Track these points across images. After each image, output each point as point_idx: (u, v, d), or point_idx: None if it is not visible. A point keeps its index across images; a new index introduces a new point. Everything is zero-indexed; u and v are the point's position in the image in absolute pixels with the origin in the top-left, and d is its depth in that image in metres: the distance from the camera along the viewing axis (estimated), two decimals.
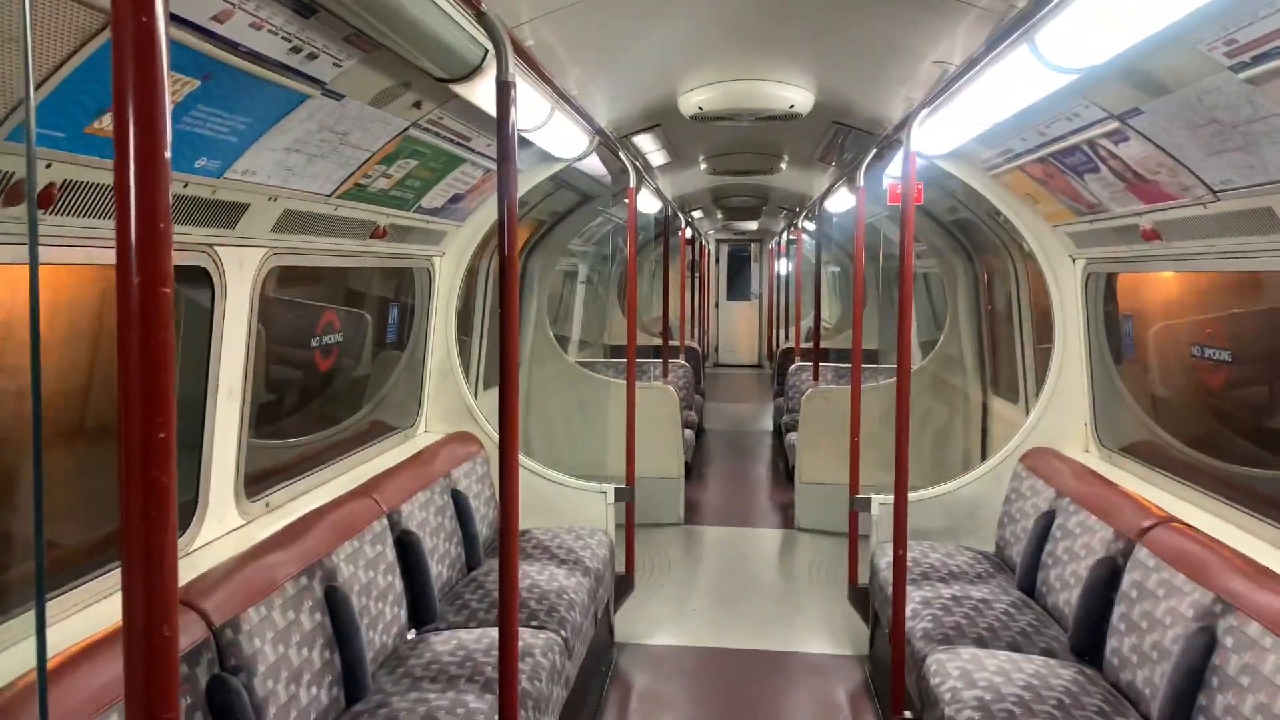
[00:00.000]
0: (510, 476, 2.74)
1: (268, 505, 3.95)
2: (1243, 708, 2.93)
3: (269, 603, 3.16)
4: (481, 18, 2.53)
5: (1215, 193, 3.42)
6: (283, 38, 2.49)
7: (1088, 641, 4.06)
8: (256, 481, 3.91)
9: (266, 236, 3.54)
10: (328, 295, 5.01)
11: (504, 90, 2.57)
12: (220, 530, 3.61)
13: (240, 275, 3.51)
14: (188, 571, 3.10)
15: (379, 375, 5.61)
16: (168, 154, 1.03)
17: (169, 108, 1.02)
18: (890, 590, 4.87)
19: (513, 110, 2.59)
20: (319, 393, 4.94)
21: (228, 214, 3.23)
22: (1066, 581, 4.43)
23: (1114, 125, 3.51)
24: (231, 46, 2.39)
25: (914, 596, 4.72)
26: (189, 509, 3.43)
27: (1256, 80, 2.56)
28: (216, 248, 3.35)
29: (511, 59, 2.57)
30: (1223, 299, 4.69)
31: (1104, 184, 4.18)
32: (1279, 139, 2.78)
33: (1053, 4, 2.52)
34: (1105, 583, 4.04)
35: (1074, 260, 5.48)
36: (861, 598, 5.97)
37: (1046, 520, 4.83)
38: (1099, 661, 3.98)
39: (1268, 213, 3.20)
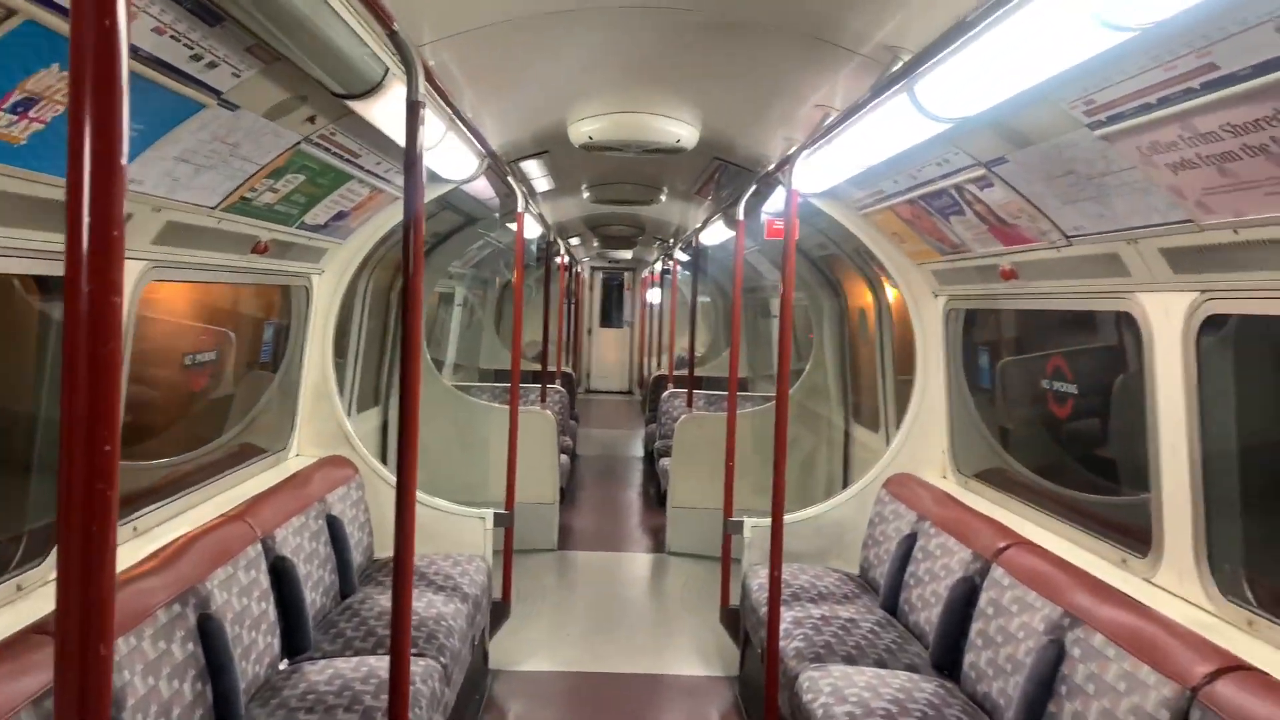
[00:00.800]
0: (407, 501, 2.72)
1: (135, 529, 3.76)
2: (1089, 713, 3.16)
3: (139, 632, 3.01)
4: (394, 37, 2.53)
5: (1069, 238, 3.73)
6: (184, 44, 2.43)
7: (947, 656, 4.29)
8: (124, 504, 3.72)
9: (148, 248, 3.40)
10: (199, 312, 4.83)
11: (414, 110, 2.57)
12: None
13: None
14: (49, 601, 2.93)
15: (251, 396, 5.42)
16: (124, 160, 1.01)
17: (126, 112, 1.01)
18: (762, 611, 5.02)
19: (421, 130, 2.60)
20: (188, 412, 4.74)
21: None
22: (927, 600, 4.67)
23: (981, 172, 3.78)
24: (132, 50, 2.31)
25: (785, 617, 4.88)
26: (49, 534, 3.23)
27: (1110, 138, 2.82)
28: None
29: (423, 81, 2.58)
30: (1065, 337, 5.08)
31: (968, 226, 4.47)
32: (1126, 192, 3.06)
33: (936, 58, 2.72)
34: (964, 600, 4.28)
35: (936, 296, 5.82)
36: (733, 619, 6.11)
37: (909, 542, 5.08)
38: (957, 675, 4.21)
39: (1114, 257, 3.51)
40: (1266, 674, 2.73)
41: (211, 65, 2.66)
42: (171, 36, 2.37)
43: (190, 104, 2.79)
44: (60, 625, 1.03)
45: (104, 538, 1.02)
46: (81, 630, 1.03)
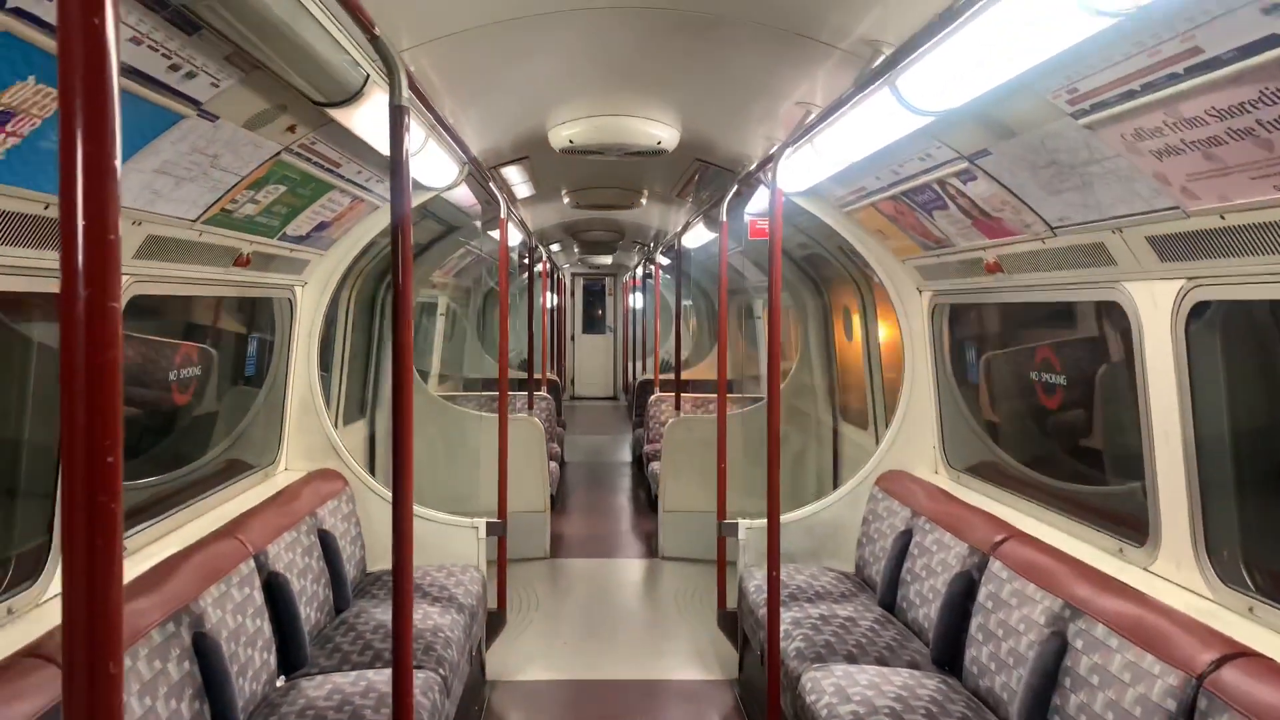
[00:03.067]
0: (404, 513, 2.69)
1: (125, 549, 3.70)
2: (1094, 705, 3.16)
3: (134, 653, 2.96)
4: (375, 42, 2.51)
5: (1053, 229, 3.74)
6: (163, 54, 2.39)
7: (948, 652, 4.28)
8: None
9: (129, 263, 3.35)
10: (183, 327, 4.78)
11: (398, 115, 2.55)
12: None
13: None
14: (40, 624, 2.88)
15: (237, 411, 5.36)
16: (117, 161, 0.99)
17: (117, 111, 0.99)
18: (760, 612, 5.00)
19: (407, 136, 2.57)
20: (175, 430, 4.69)
21: None
22: (925, 596, 4.66)
23: (964, 165, 3.78)
24: None
25: (784, 617, 4.86)
26: (38, 557, 3.18)
27: (1094, 126, 2.83)
28: None
29: (405, 86, 2.55)
30: (1052, 329, 5.10)
31: (951, 220, 4.48)
32: (1111, 180, 3.07)
33: (917, 51, 2.71)
34: (962, 595, 4.28)
35: (921, 292, 5.83)
36: (730, 622, 6.09)
37: (904, 539, 5.07)
38: (959, 671, 4.21)
39: (1100, 247, 3.52)
40: (1271, 659, 2.73)
41: (190, 75, 2.62)
42: (149, 46, 2.34)
43: (169, 115, 2.75)
44: (67, 644, 0.99)
45: (109, 552, 0.99)
46: (89, 648, 0.99)
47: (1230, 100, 2.27)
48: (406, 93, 2.57)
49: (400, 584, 2.62)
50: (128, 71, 2.38)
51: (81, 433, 0.98)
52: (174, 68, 2.53)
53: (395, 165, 2.57)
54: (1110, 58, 2.47)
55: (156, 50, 2.38)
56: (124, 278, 3.42)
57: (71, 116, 0.96)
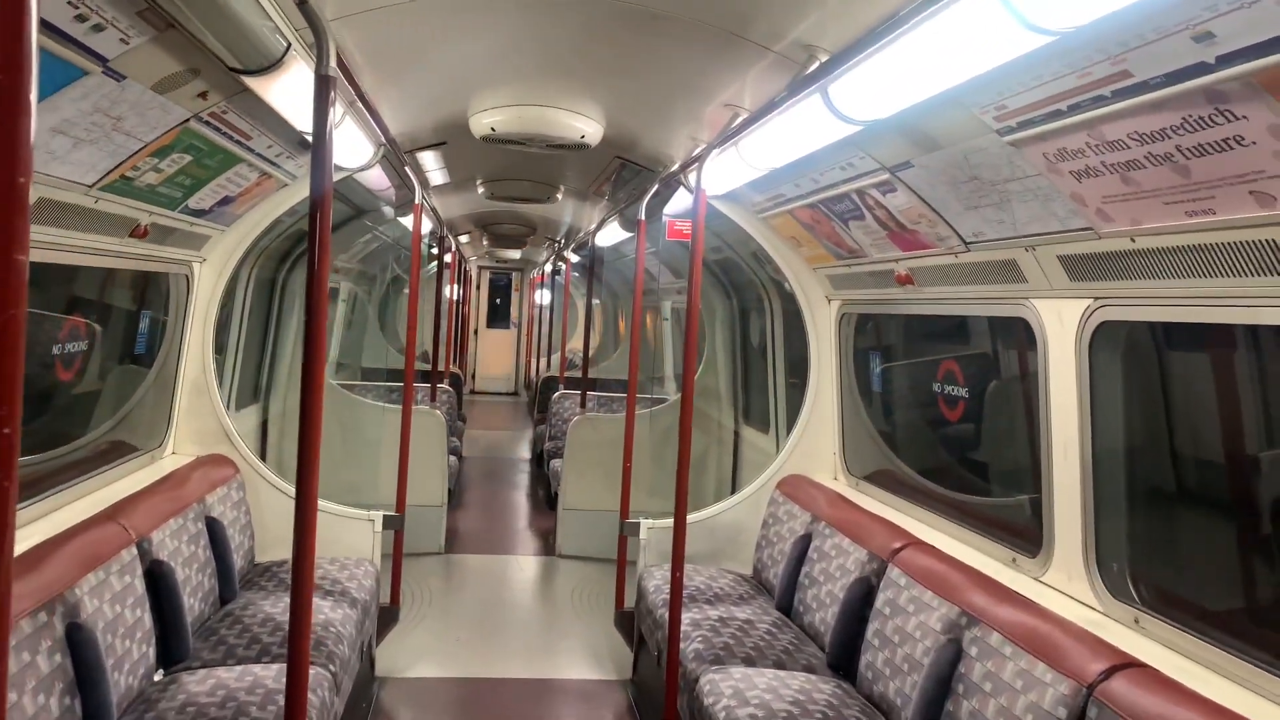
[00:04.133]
0: (308, 504, 2.56)
1: None
2: (986, 711, 3.24)
3: None
4: (303, 6, 2.38)
5: (967, 244, 3.83)
6: (69, 2, 2.22)
7: (844, 657, 4.34)
8: None
9: None
10: (69, 300, 4.49)
11: (324, 85, 2.42)
12: None
13: None
14: None
15: (123, 390, 5.07)
16: (33, 96, 0.89)
17: (34, 43, 0.89)
18: (659, 612, 4.99)
19: (332, 110, 2.45)
20: (53, 407, 4.40)
21: None
22: (823, 601, 4.72)
23: (885, 177, 3.84)
24: None
25: (683, 618, 4.85)
26: None
27: (1018, 144, 2.90)
28: None
29: (334, 54, 2.44)
30: (955, 343, 5.24)
31: (867, 231, 4.55)
32: (1028, 198, 3.15)
33: (853, 60, 2.73)
34: (860, 601, 4.34)
35: (830, 301, 5.91)
36: (627, 622, 6.06)
37: (804, 543, 5.13)
38: (853, 676, 4.27)
39: (1011, 264, 3.62)
40: (1157, 670, 2.84)
41: (98, 28, 2.45)
42: None
43: (71, 69, 2.57)
44: None
45: (4, 537, 0.89)
46: None
47: (1153, 125, 2.35)
48: (334, 63, 2.46)
49: (301, 577, 2.50)
50: None
51: None
52: (81, 18, 2.36)
53: (318, 139, 2.45)
54: (1040, 76, 2.53)
55: None
56: None
57: None
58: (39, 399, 4.37)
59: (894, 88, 2.83)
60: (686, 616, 4.89)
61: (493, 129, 4.98)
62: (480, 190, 8.03)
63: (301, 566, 2.48)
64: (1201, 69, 2.06)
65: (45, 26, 2.27)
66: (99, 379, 4.90)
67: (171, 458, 5.29)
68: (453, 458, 9.17)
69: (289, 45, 2.94)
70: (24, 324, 0.90)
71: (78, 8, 2.27)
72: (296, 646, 2.50)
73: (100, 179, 3.35)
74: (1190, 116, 2.22)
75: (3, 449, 0.89)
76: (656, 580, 5.39)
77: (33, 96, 0.89)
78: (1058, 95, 2.53)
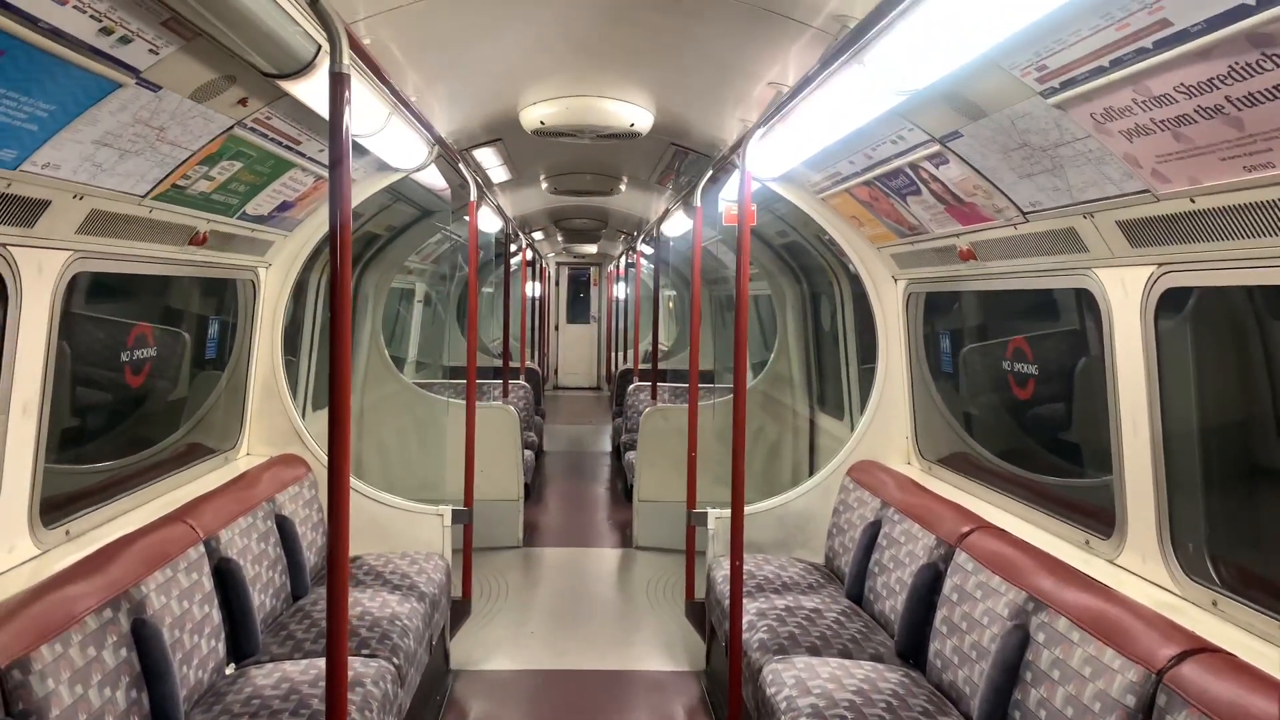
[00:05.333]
0: (340, 498, 2.59)
1: (68, 533, 3.60)
2: (1054, 699, 3.10)
3: (65, 639, 2.87)
4: (315, 5, 2.40)
5: (1025, 214, 3.66)
6: (91, 16, 2.28)
7: (912, 645, 4.22)
8: (56, 508, 3.56)
9: (71, 238, 3.24)
10: (140, 308, 4.66)
11: (338, 83, 2.44)
12: (10, 561, 3.25)
13: (39, 280, 3.19)
14: None
15: (197, 395, 5.24)
16: None
17: None
18: (726, 603, 4.94)
19: (347, 109, 2.47)
20: (129, 413, 4.58)
21: (25, 211, 2.93)
22: (892, 588, 4.60)
23: (936, 148, 3.70)
24: (30, 21, 2.17)
25: (749, 608, 4.79)
26: None
27: (1063, 105, 2.75)
28: (11, 248, 3.04)
29: (346, 52, 2.45)
30: (1027, 319, 5.04)
31: (925, 206, 4.41)
32: (1081, 162, 2.99)
33: (882, 23, 2.63)
34: (928, 587, 4.21)
35: (896, 280, 5.76)
36: (699, 613, 6.02)
37: (873, 530, 5.01)
38: (922, 664, 4.14)
39: (1071, 233, 3.45)
40: (1231, 655, 2.67)
41: (125, 41, 2.51)
42: (75, 7, 2.23)
43: (105, 83, 2.64)
44: None
45: None
46: None
47: (1199, 76, 2.20)
48: (348, 60, 2.47)
49: (336, 568, 2.53)
50: (50, 33, 2.27)
51: None
52: (105, 31, 2.42)
53: (335, 136, 2.47)
54: (1079, 31, 2.39)
55: (84, 11, 2.27)
56: (65, 253, 3.31)
57: None
58: (119, 404, 4.55)
59: (928, 51, 2.71)
60: (753, 606, 4.83)
61: (542, 122, 4.99)
62: (544, 185, 8.07)
63: (337, 559, 2.51)
64: (1242, 11, 1.91)
65: (69, 40, 2.33)
66: (174, 384, 5.08)
67: (245, 458, 5.46)
68: (529, 453, 9.26)
69: (319, 47, 2.98)
70: None
71: (101, 21, 2.33)
72: (334, 638, 2.54)
73: (152, 189, 3.46)
74: (1237, 64, 2.06)
75: None
76: (724, 570, 5.33)
77: None
78: (1098, 50, 2.39)
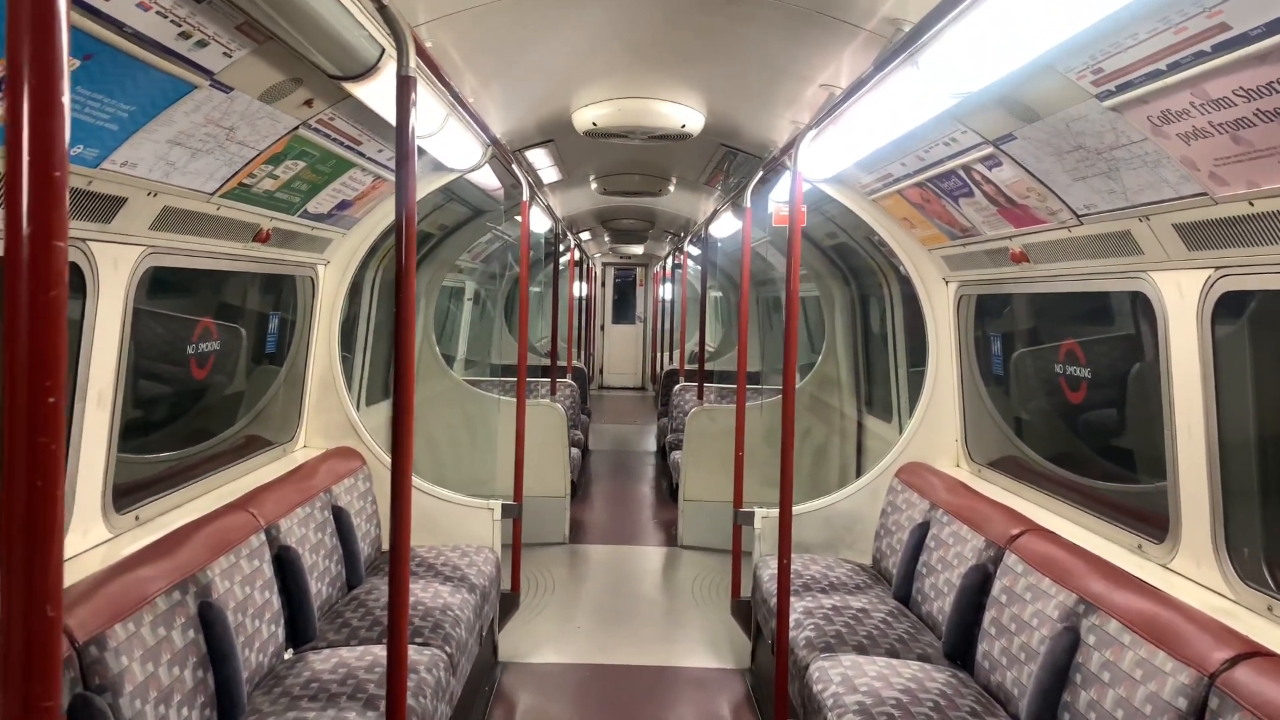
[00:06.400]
0: (403, 490, 2.67)
1: (138, 518, 3.74)
2: (1104, 702, 3.09)
3: (138, 619, 2.99)
4: (383, 10, 2.49)
5: (1079, 217, 3.64)
6: (171, 21, 2.39)
7: (960, 646, 4.21)
8: (126, 494, 3.70)
9: (145, 234, 3.37)
10: (203, 303, 4.81)
11: (404, 86, 2.53)
12: (85, 544, 3.39)
13: (115, 274, 3.33)
14: None
15: (257, 388, 5.39)
16: (65, 96, 0.97)
17: (65, 40, 0.97)
18: (773, 601, 4.96)
19: (413, 111, 2.55)
20: (193, 405, 4.72)
21: (104, 207, 3.06)
22: (940, 590, 4.59)
23: (989, 150, 3.70)
24: (116, 26, 2.28)
25: (796, 607, 4.81)
26: None
27: (1119, 108, 2.74)
28: (90, 243, 3.17)
29: (413, 55, 2.53)
30: (1079, 322, 4.99)
31: (977, 208, 4.40)
32: (1137, 165, 2.98)
33: (938, 27, 2.65)
34: (977, 589, 4.21)
35: (947, 283, 5.73)
36: (744, 611, 6.05)
37: (921, 531, 5.00)
38: (970, 665, 4.14)
39: (1126, 236, 3.43)
40: None
41: (201, 44, 2.62)
42: (158, 12, 2.33)
43: (181, 85, 2.75)
44: (5, 590, 0.98)
45: (49, 495, 0.98)
46: (27, 594, 0.98)
47: (1258, 80, 2.19)
48: (414, 63, 2.55)
49: (397, 559, 2.61)
50: (135, 37, 2.38)
51: (24, 373, 0.96)
52: (184, 35, 2.53)
53: (401, 137, 2.55)
54: (1136, 35, 2.39)
55: (165, 16, 2.38)
56: (138, 248, 3.44)
57: (19, 49, 0.95)
58: (183, 397, 4.70)
59: (983, 54, 2.72)
60: (800, 605, 4.85)
61: (594, 123, 5.06)
62: (593, 186, 8.15)
63: (398, 551, 2.59)
64: None
65: (150, 43, 2.44)
66: (236, 378, 5.23)
67: (303, 450, 5.60)
68: (575, 450, 9.34)
69: (383, 50, 3.07)
70: (65, 303, 0.98)
71: (180, 25, 2.44)
72: (396, 625, 2.62)
73: (220, 187, 3.58)
74: None
75: (50, 417, 0.98)
76: (771, 569, 5.36)
77: (65, 99, 0.97)
78: (1155, 54, 2.39)
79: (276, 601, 3.97)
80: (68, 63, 0.97)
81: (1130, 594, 3.27)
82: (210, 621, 3.33)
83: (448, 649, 4.21)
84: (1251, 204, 2.70)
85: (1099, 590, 3.41)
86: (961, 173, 4.17)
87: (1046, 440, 5.21)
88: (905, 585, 4.98)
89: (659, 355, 17.47)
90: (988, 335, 5.75)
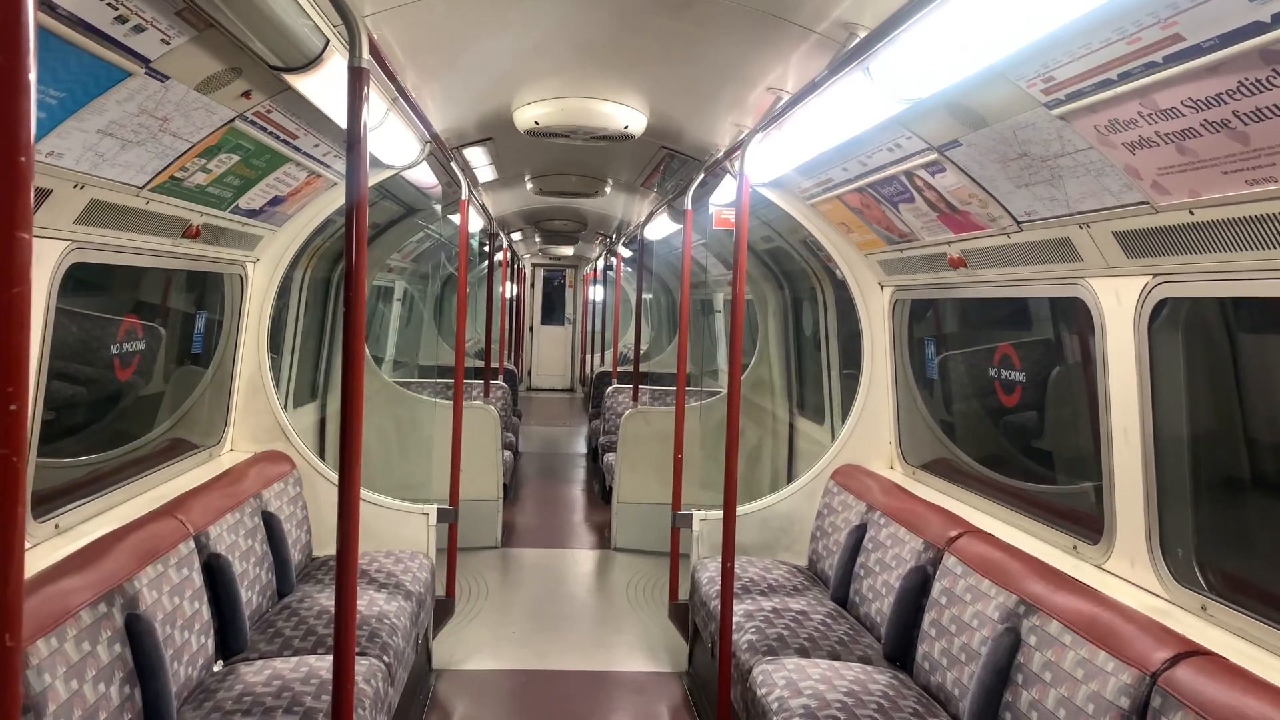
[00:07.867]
0: (351, 497, 2.58)
1: (57, 526, 3.55)
2: (1046, 701, 3.15)
3: (60, 633, 2.83)
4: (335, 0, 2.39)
5: (1020, 223, 3.72)
6: (108, 3, 2.26)
7: (900, 647, 4.26)
8: (44, 501, 3.50)
9: (70, 228, 3.20)
10: (126, 301, 4.60)
11: (356, 78, 2.44)
12: None
13: (37, 270, 3.15)
14: None
15: (182, 390, 5.18)
16: (31, 75, 0.89)
17: (31, 22, 0.89)
18: (713, 604, 4.96)
19: (366, 105, 2.46)
20: (114, 407, 4.51)
21: None
22: (879, 591, 4.64)
23: (933, 156, 3.75)
24: (49, 7, 2.14)
25: (736, 610, 4.81)
26: None
27: (1067, 117, 2.80)
28: None
29: (366, 46, 2.45)
30: (1011, 327, 5.11)
31: (917, 214, 4.46)
32: (1080, 173, 3.05)
33: (894, 33, 2.66)
34: (916, 591, 4.26)
35: (882, 287, 5.81)
36: (681, 614, 6.04)
37: (859, 533, 5.05)
38: (910, 666, 4.19)
39: (1065, 243, 3.51)
40: (1224, 658, 2.73)
41: (138, 29, 2.49)
42: None
43: (115, 72, 2.62)
44: None
45: (10, 511, 0.90)
46: None
47: (1208, 90, 2.25)
48: (367, 55, 2.46)
49: (345, 569, 2.52)
50: (69, 19, 2.25)
51: None
52: (121, 19, 2.40)
53: (352, 133, 2.46)
54: (1089, 44, 2.43)
55: None
56: (62, 244, 3.27)
57: None
58: (103, 398, 4.49)
59: (937, 61, 2.76)
60: (740, 608, 4.85)
61: (536, 122, 4.99)
62: (529, 186, 8.06)
63: (346, 559, 2.50)
64: (1256, 29, 1.96)
65: (85, 27, 2.31)
66: (159, 379, 5.02)
67: (230, 454, 5.40)
68: (508, 453, 9.23)
69: (327, 42, 2.97)
70: (29, 300, 0.90)
71: (117, 9, 2.31)
72: (342, 633, 2.52)
73: (150, 180, 3.42)
74: (1247, 79, 2.11)
75: (12, 424, 0.90)
76: (709, 572, 5.36)
77: (31, 77, 0.89)
78: (1107, 64, 2.44)
79: (206, 612, 3.81)
80: (34, 41, 0.89)
81: (1070, 595, 3.34)
82: (138, 634, 3.17)
83: (385, 659, 4.09)
84: (1191, 213, 2.78)
85: (1039, 591, 3.47)
86: (904, 178, 4.23)
87: (978, 442, 5.32)
88: (843, 587, 5.02)
89: (589, 357, 17.41)
90: (922, 339, 5.85)
